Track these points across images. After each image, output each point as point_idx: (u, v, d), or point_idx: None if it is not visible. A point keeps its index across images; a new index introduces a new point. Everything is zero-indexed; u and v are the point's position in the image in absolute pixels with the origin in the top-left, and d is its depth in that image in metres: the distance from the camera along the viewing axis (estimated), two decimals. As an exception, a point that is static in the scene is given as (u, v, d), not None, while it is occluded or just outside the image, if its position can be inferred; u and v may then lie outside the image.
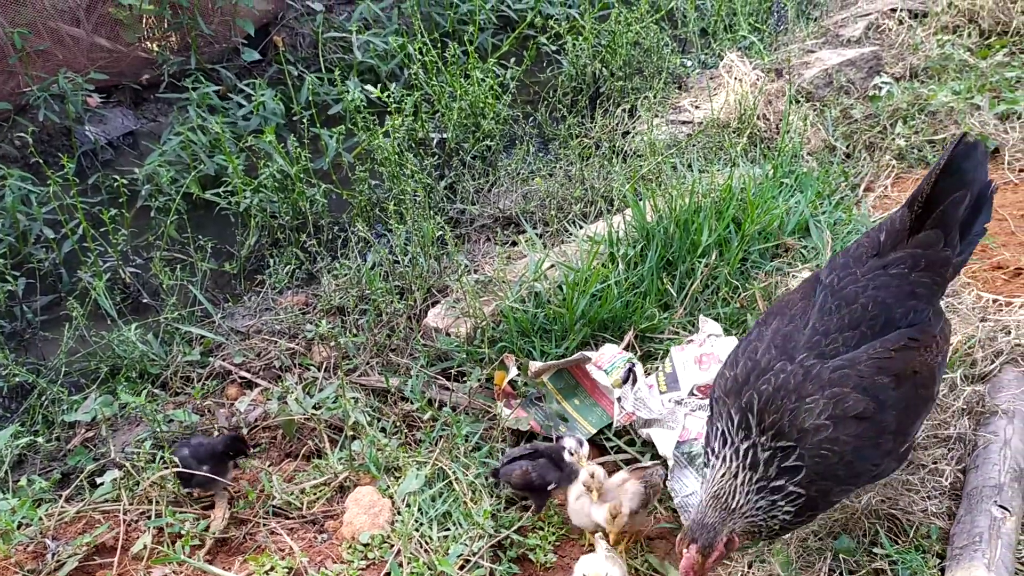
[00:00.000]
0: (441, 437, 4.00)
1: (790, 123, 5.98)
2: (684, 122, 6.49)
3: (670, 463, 3.72)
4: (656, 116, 6.43)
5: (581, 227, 5.31)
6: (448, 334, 4.56)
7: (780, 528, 2.86)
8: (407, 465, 3.73)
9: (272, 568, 3.24)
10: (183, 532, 3.42)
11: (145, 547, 3.34)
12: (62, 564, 3.29)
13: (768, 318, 3.08)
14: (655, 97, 6.56)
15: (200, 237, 5.40)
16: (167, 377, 4.61)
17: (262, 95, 6.45)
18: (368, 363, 4.56)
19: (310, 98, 6.68)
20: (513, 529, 3.46)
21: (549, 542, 3.48)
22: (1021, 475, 3.27)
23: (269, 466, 3.98)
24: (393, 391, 4.32)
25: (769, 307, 3.60)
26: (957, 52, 6.73)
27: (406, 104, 6.09)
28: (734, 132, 6.13)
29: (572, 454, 3.60)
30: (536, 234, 5.28)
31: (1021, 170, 5.41)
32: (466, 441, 3.94)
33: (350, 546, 3.35)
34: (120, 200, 5.27)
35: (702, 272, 4.62)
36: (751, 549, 3.27)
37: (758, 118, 6.19)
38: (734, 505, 2.78)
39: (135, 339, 4.61)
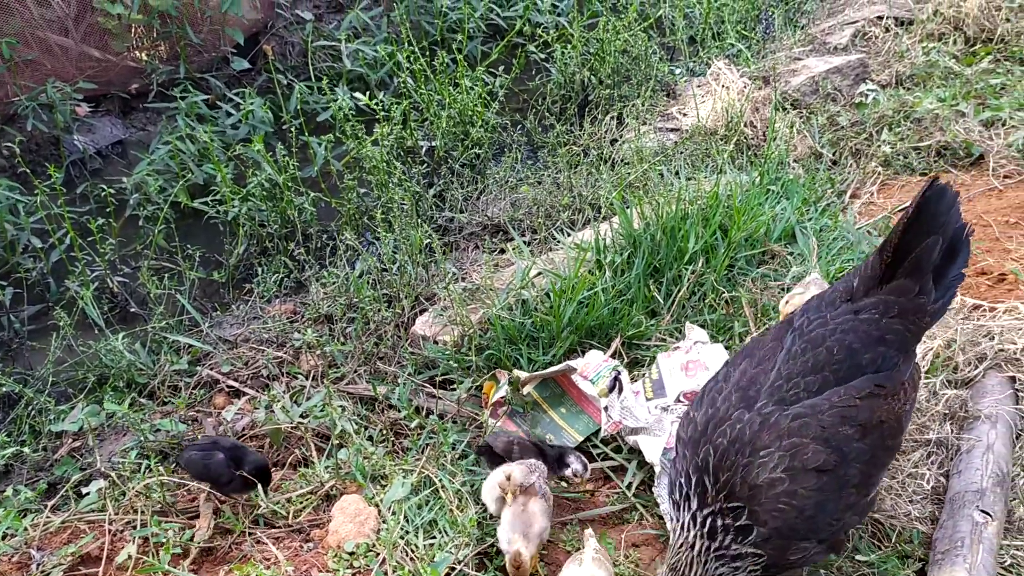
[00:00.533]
0: (428, 445, 4.00)
1: (777, 130, 6.01)
2: (672, 129, 6.52)
3: (656, 469, 3.74)
4: (644, 124, 6.46)
5: (569, 235, 5.33)
6: (436, 342, 4.56)
7: None
8: (393, 473, 3.74)
9: (257, 577, 3.24)
10: (166, 541, 3.41)
11: (130, 557, 3.33)
12: (47, 574, 3.28)
13: (738, 358, 3.00)
14: (643, 105, 6.59)
15: (188, 246, 5.40)
16: (154, 386, 4.60)
17: (251, 103, 6.47)
18: (356, 371, 4.57)
19: (299, 106, 6.69)
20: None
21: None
22: (1004, 480, 3.29)
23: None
24: (380, 399, 4.33)
25: (743, 345, 3.56)
26: (942, 59, 6.78)
27: (395, 112, 6.10)
28: (721, 139, 6.17)
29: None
30: (524, 242, 5.29)
31: (1006, 176, 5.45)
32: (453, 449, 3.94)
33: (336, 555, 3.35)
34: (108, 209, 5.27)
35: (689, 279, 4.64)
36: None
37: (745, 125, 6.23)
38: None
39: (122, 348, 4.61)
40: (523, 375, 4.15)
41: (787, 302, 4.06)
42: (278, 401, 4.27)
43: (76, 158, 6.57)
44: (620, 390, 4.11)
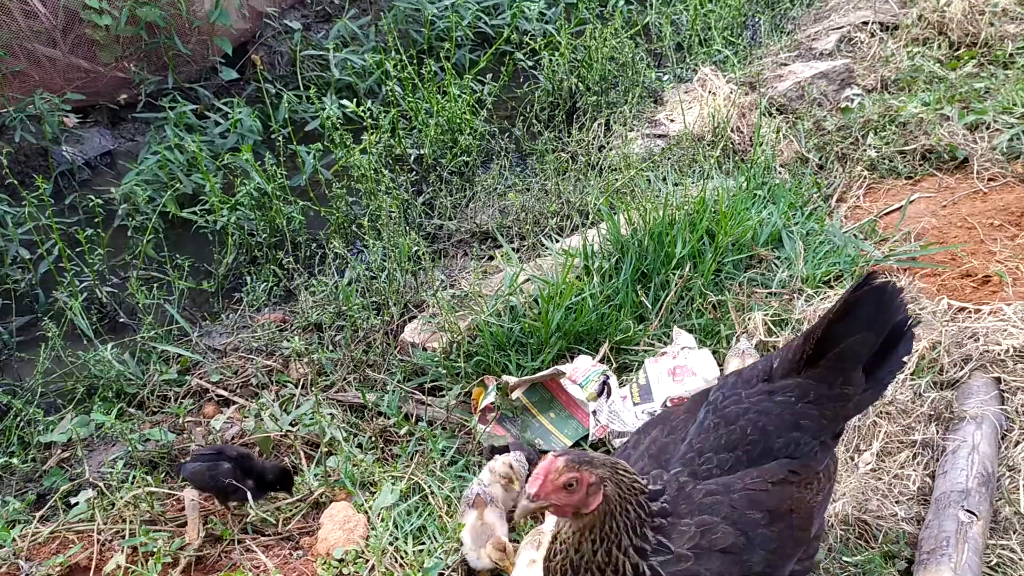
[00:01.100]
0: (417, 452, 4.01)
1: (763, 135, 6.05)
2: (659, 135, 6.55)
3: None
4: (631, 130, 6.49)
5: (557, 241, 5.35)
6: (425, 349, 4.58)
7: None
8: (383, 480, 3.74)
9: (246, 585, 3.24)
10: (156, 551, 3.41)
11: (119, 567, 3.33)
12: (35, 585, 3.29)
13: (648, 427, 2.90)
14: (630, 111, 6.63)
15: (177, 256, 5.41)
16: (144, 396, 4.60)
17: (239, 113, 6.48)
18: (345, 379, 4.58)
19: (287, 116, 6.71)
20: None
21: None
22: (989, 480, 3.31)
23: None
24: (370, 406, 4.33)
25: (651, 417, 3.49)
26: (927, 64, 6.82)
27: (383, 120, 6.12)
28: (708, 145, 6.20)
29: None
30: (512, 248, 5.31)
31: (990, 179, 5.48)
32: (442, 455, 3.95)
33: (325, 562, 3.35)
34: (97, 220, 5.27)
35: (676, 284, 4.66)
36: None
37: (732, 131, 6.26)
38: (636, 487, 2.44)
39: (111, 359, 4.61)
40: (512, 380, 4.17)
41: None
42: (267, 409, 4.27)
43: (64, 169, 6.57)
44: (608, 394, 4.13)
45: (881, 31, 7.65)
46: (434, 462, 3.88)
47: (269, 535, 3.62)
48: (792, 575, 2.65)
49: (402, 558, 3.31)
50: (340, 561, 3.35)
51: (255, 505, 3.59)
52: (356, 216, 5.80)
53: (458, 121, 6.42)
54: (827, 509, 2.92)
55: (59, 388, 4.74)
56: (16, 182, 5.34)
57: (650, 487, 2.51)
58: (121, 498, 3.64)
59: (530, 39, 7.36)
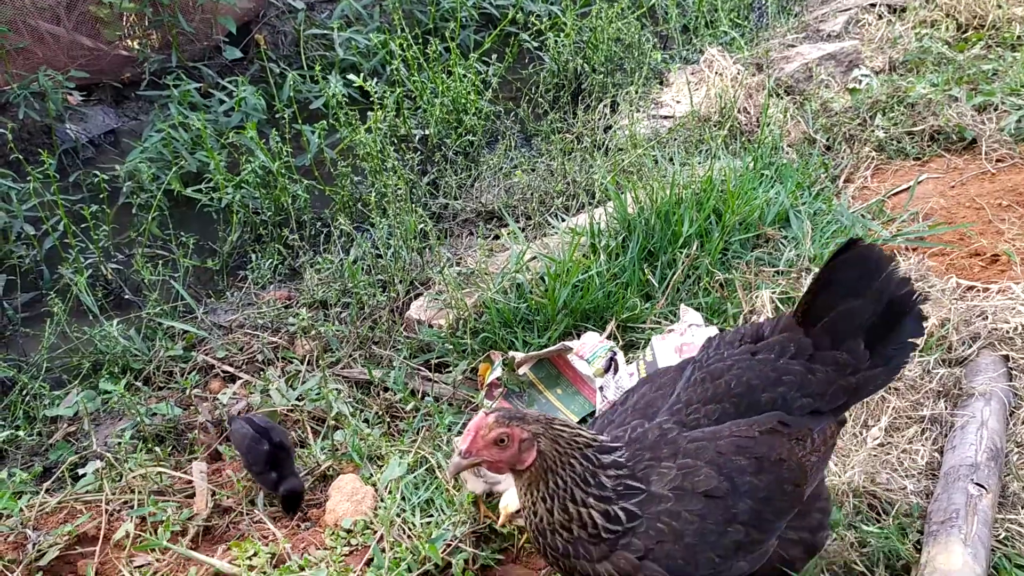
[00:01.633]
0: (424, 427, 4.01)
1: (770, 116, 6.02)
2: (665, 117, 6.53)
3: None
4: (637, 111, 6.46)
5: (563, 220, 5.33)
6: (431, 326, 4.57)
7: (584, 538, 2.46)
8: (390, 453, 3.74)
9: (255, 554, 3.24)
10: (164, 520, 3.41)
11: (128, 535, 3.33)
12: (43, 553, 3.28)
13: (637, 386, 2.89)
14: (636, 92, 6.60)
15: (182, 234, 5.39)
16: (150, 372, 4.60)
17: (243, 91, 6.45)
18: (351, 355, 4.57)
19: (292, 94, 6.67)
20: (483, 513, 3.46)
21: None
22: (998, 454, 3.31)
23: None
24: (376, 383, 4.33)
25: (640, 378, 3.44)
26: (935, 45, 6.80)
27: (388, 100, 6.10)
28: (715, 126, 6.17)
29: None
30: (519, 228, 5.30)
31: (998, 160, 5.46)
32: (449, 431, 3.95)
33: (333, 532, 3.35)
34: (101, 196, 5.25)
35: (683, 262, 4.65)
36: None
37: (739, 112, 6.24)
38: (578, 441, 2.44)
39: (117, 335, 4.60)
40: (518, 356, 4.16)
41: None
42: (273, 384, 4.27)
43: (68, 147, 6.55)
44: (616, 371, 4.12)
45: (889, 13, 7.62)
46: (441, 437, 3.87)
47: (277, 507, 3.62)
48: (787, 542, 2.61)
49: (410, 529, 3.31)
50: (348, 532, 3.35)
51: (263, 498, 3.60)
52: (362, 195, 5.79)
53: (463, 101, 6.39)
54: (825, 482, 2.84)
55: (64, 364, 4.74)
56: (20, 157, 5.31)
57: (602, 440, 2.51)
58: (130, 470, 3.64)
59: (535, 20, 7.32)
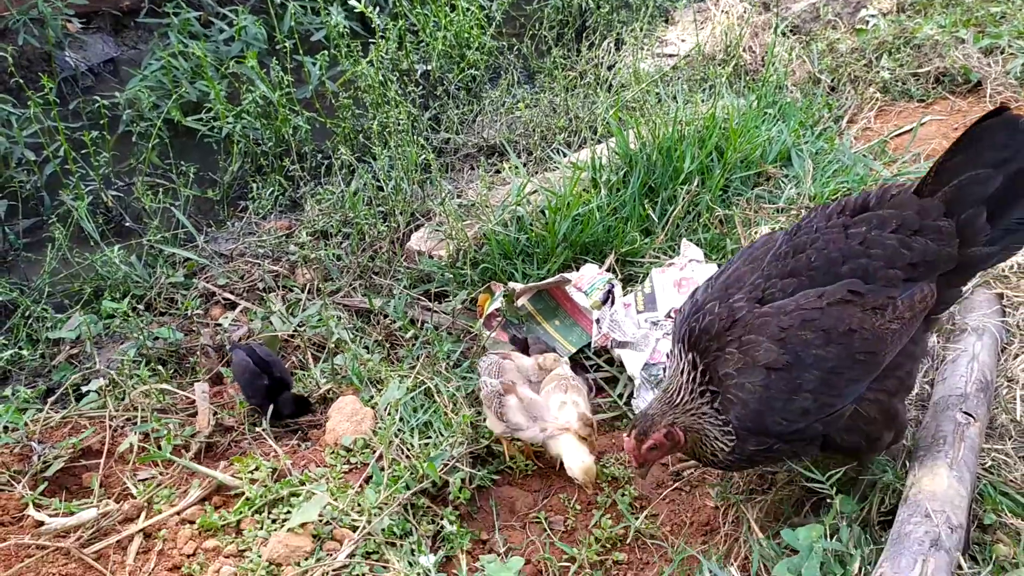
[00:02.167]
0: (423, 354, 4.05)
1: (776, 55, 5.97)
2: (670, 55, 6.47)
3: (636, 382, 3.81)
4: (642, 48, 6.40)
5: (565, 155, 5.32)
6: (431, 256, 4.59)
7: (724, 459, 2.82)
8: (389, 377, 3.79)
9: (257, 468, 3.30)
10: (167, 434, 3.48)
11: (131, 447, 3.39)
12: (48, 465, 3.35)
13: (735, 259, 2.99)
14: (641, 30, 6.52)
15: (182, 163, 5.37)
16: (151, 298, 4.63)
17: (243, 20, 6.37)
18: (351, 285, 4.60)
19: (293, 25, 6.59)
20: (493, 439, 3.53)
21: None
22: (987, 387, 3.35)
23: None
24: (376, 311, 4.37)
25: (741, 249, 3.56)
26: (944, -13, 6.71)
27: (391, 32, 6.03)
28: (719, 64, 6.12)
29: None
30: (521, 163, 5.29)
31: (1002, 103, 5.43)
32: (447, 358, 4.00)
33: (333, 451, 3.42)
34: (101, 123, 5.23)
35: (684, 198, 4.66)
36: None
37: (744, 51, 6.18)
38: (678, 400, 2.79)
39: (118, 261, 4.62)
40: (518, 287, 4.19)
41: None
42: (274, 311, 4.31)
43: (68, 75, 6.49)
44: (612, 303, 4.15)
45: (899, -46, 7.48)
46: (439, 363, 3.92)
47: (277, 427, 3.69)
48: (865, 401, 2.73)
49: (408, 450, 3.37)
50: (348, 450, 3.41)
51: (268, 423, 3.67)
52: (363, 127, 5.76)
53: (466, 36, 6.33)
54: (925, 344, 2.97)
55: (66, 289, 4.76)
56: (21, 81, 5.26)
57: (683, 388, 2.81)
58: (133, 387, 3.69)
59: (541, -47, 7.20)
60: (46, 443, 3.43)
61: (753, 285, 2.77)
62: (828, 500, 2.86)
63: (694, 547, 3.11)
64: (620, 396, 3.90)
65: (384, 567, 2.92)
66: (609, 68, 6.38)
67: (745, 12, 6.46)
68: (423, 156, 5.03)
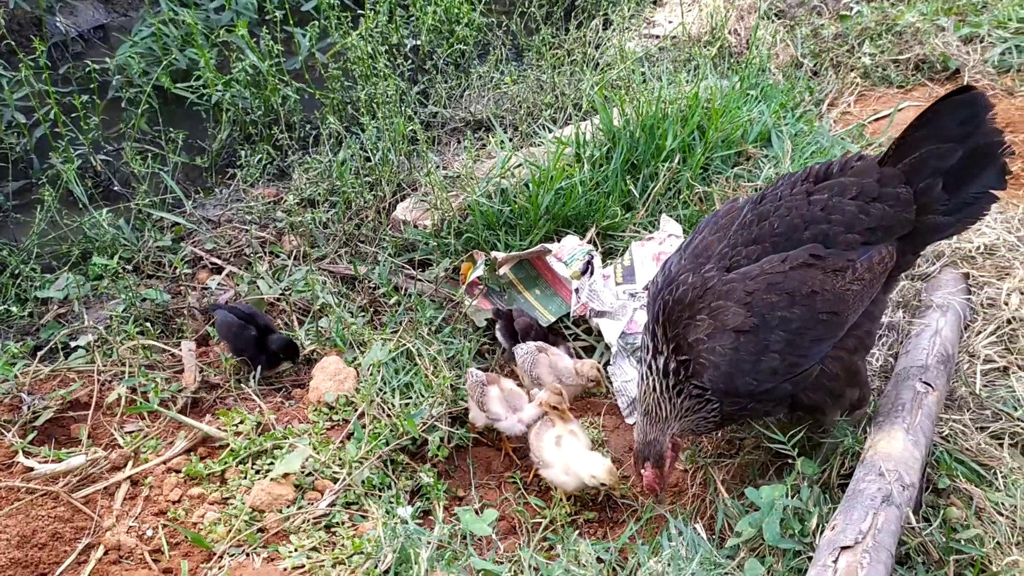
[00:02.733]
0: (406, 319, 4.15)
1: (760, 38, 6.07)
2: (657, 36, 6.55)
3: (613, 350, 3.93)
4: (629, 29, 6.48)
5: (550, 131, 5.41)
6: (416, 226, 4.68)
7: (715, 425, 2.98)
8: (372, 340, 3.88)
9: (242, 421, 3.40)
10: (154, 387, 3.56)
11: (119, 399, 3.47)
12: (37, 415, 3.43)
13: (701, 227, 3.10)
14: (629, 10, 6.60)
15: (171, 130, 5.42)
16: (139, 261, 4.69)
17: (234, -12, 6.40)
18: (337, 252, 4.69)
19: (283, -4, 6.63)
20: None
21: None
22: (948, 360, 3.48)
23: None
24: (360, 278, 4.45)
25: (705, 218, 3.68)
26: (928, -25, 6.81)
27: (381, 5, 6.08)
28: (705, 46, 6.22)
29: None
30: (507, 137, 5.37)
31: (979, 91, 5.55)
32: (430, 323, 4.09)
33: (315, 408, 3.52)
34: (92, 87, 5.27)
35: (665, 175, 4.76)
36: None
37: (729, 33, 6.28)
38: (664, 415, 2.93)
39: (106, 224, 4.67)
40: (500, 256, 4.29)
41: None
42: (261, 276, 4.39)
43: (58, 40, 6.50)
44: (591, 273, 4.26)
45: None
46: (421, 327, 4.02)
47: (262, 386, 3.78)
48: (828, 359, 2.85)
49: (389, 409, 3.47)
50: (330, 408, 3.51)
51: (259, 375, 3.76)
52: (352, 99, 5.82)
53: (456, 11, 6.39)
54: (883, 305, 3.09)
55: (54, 251, 4.81)
56: (12, 43, 5.29)
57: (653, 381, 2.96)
58: (120, 342, 3.77)
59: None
60: (35, 395, 3.51)
61: (721, 254, 2.88)
62: (791, 462, 2.99)
63: (662, 507, 3.24)
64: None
65: (363, 516, 3.03)
66: (596, 47, 6.46)
67: (732, -5, 6.55)
68: (410, 128, 5.10)
